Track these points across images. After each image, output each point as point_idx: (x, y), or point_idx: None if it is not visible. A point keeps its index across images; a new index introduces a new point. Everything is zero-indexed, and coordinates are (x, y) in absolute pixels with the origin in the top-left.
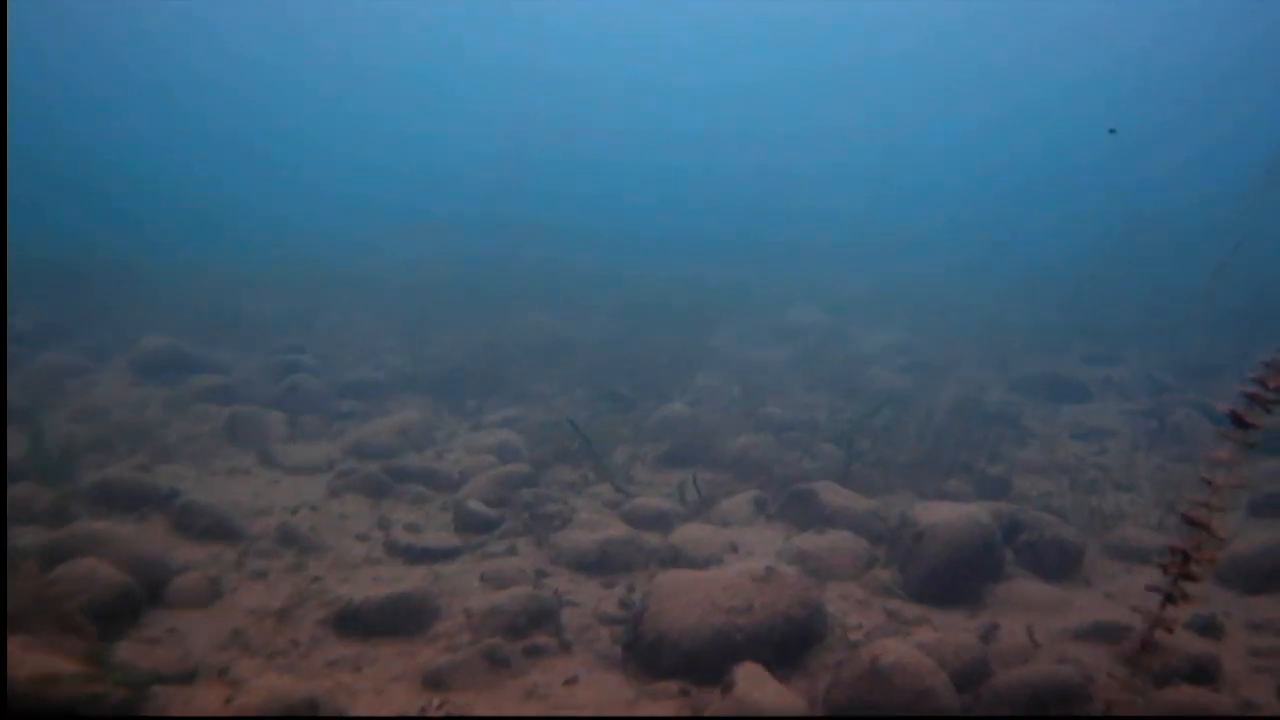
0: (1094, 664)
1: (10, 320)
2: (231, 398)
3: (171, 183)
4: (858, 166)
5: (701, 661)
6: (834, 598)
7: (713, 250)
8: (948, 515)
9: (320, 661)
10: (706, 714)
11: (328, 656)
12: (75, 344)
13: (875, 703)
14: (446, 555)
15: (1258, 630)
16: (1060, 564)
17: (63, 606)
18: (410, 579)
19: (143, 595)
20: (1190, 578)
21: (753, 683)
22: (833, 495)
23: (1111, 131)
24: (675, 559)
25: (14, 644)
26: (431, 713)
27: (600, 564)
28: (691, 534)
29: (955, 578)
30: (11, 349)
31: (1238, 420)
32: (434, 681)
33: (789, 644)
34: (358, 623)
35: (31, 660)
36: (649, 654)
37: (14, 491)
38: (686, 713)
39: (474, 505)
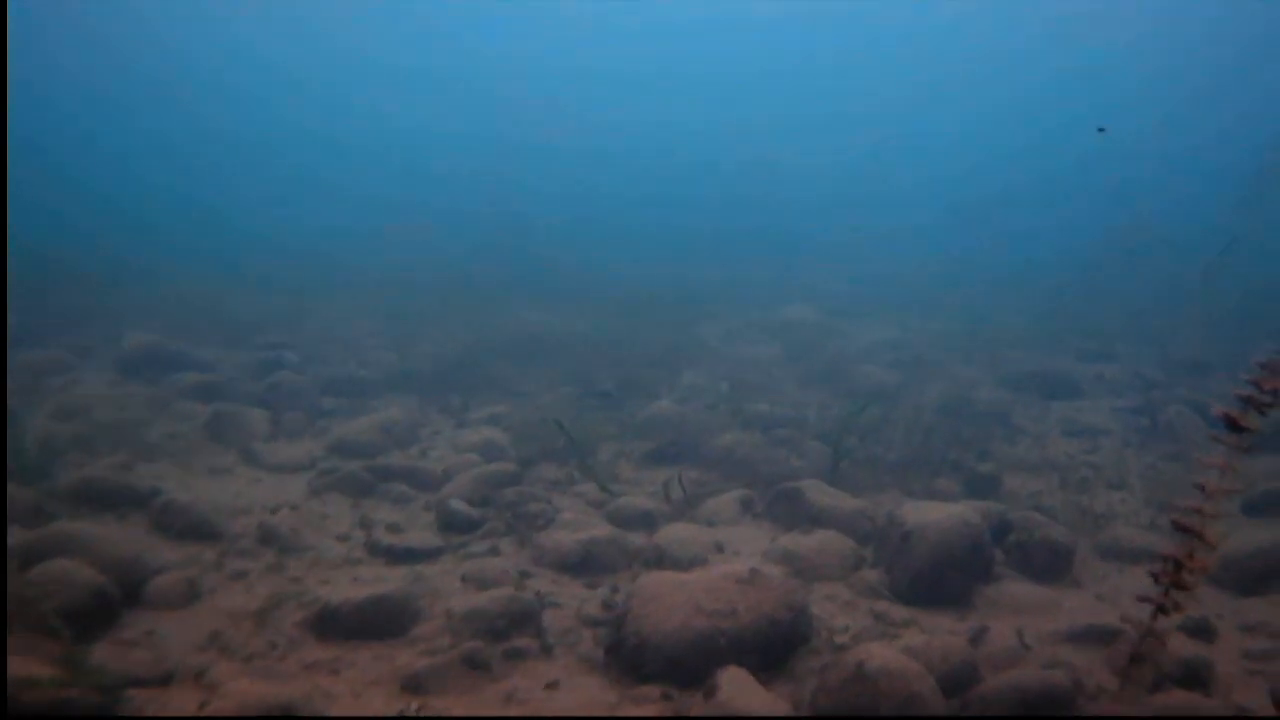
0: (1085, 667)
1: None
2: (215, 395)
3: (170, 180)
4: (850, 160)
5: (684, 666)
6: (820, 599)
7: (704, 244)
8: (936, 515)
9: (298, 664)
10: (689, 719)
11: (305, 659)
12: (60, 341)
13: (861, 708)
14: (428, 556)
15: (1250, 632)
16: (1050, 565)
17: (39, 608)
18: (391, 580)
19: (120, 596)
20: (1182, 587)
21: (736, 688)
22: (820, 494)
23: (1101, 130)
24: (659, 559)
25: None
26: (410, 714)
27: (583, 564)
28: (676, 534)
29: (943, 579)
30: None
31: (1232, 424)
32: (412, 685)
33: (773, 647)
34: (336, 625)
35: (9, 663)
36: (631, 658)
37: None
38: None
39: (456, 505)
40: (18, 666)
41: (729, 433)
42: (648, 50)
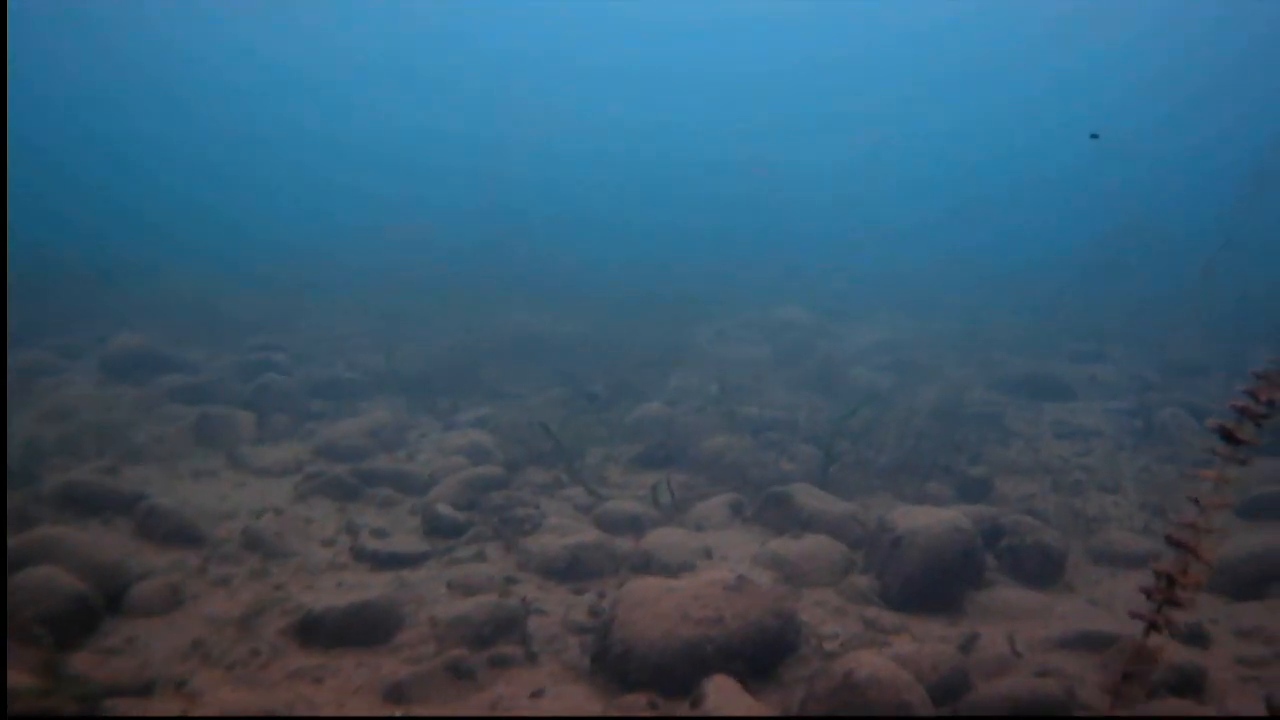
0: (1077, 674)
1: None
2: (201, 397)
3: (170, 180)
4: (846, 160)
5: (671, 674)
6: (810, 605)
7: (703, 244)
8: (927, 520)
9: (280, 673)
10: None
11: (288, 667)
12: (47, 342)
13: (850, 718)
14: (413, 561)
15: (1245, 638)
16: (1042, 569)
17: (20, 615)
18: (375, 586)
19: (102, 603)
20: (1176, 604)
21: (724, 697)
22: (810, 498)
23: (1094, 137)
24: (647, 565)
25: None
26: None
27: (570, 570)
28: (664, 538)
29: (934, 585)
30: None
31: (1228, 436)
32: (395, 695)
33: (761, 656)
34: (319, 632)
35: None
36: (617, 666)
37: None
38: None
39: (443, 509)
40: None
41: (719, 435)
42: (648, 50)
